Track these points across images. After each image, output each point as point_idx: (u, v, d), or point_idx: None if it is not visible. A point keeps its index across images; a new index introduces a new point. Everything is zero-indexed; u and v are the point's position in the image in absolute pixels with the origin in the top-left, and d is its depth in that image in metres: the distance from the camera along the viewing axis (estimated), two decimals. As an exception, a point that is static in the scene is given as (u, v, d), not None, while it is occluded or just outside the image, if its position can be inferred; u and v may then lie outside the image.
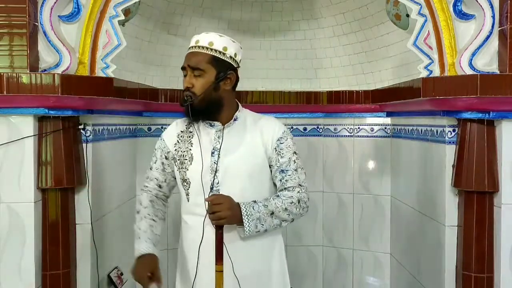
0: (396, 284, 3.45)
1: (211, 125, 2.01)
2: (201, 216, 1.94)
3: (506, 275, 2.34)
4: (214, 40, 1.98)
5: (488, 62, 2.34)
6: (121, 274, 3.00)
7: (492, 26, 2.31)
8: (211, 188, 1.95)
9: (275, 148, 2.01)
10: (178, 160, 2.03)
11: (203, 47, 1.98)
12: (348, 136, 3.66)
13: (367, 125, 3.59)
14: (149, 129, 3.52)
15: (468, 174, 2.38)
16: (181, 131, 2.06)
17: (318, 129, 3.74)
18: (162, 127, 3.54)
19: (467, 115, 2.37)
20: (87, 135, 2.57)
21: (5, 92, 2.22)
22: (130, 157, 3.36)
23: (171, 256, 3.61)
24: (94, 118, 2.61)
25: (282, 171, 2.00)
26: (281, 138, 2.02)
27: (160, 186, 2.13)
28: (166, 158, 2.08)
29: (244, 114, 2.07)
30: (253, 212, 1.88)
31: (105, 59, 2.52)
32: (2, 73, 2.23)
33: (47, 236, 2.43)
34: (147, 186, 2.15)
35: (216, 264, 1.87)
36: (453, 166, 2.48)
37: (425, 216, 2.83)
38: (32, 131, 2.34)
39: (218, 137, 1.99)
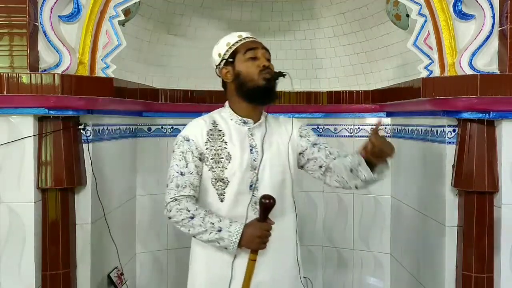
0: (396, 284, 3.45)
1: (244, 123, 2.00)
2: (242, 215, 1.89)
3: (506, 275, 2.34)
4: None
5: (488, 62, 2.34)
6: (121, 274, 3.00)
7: (492, 26, 2.31)
8: (251, 186, 1.93)
9: (300, 134, 2.07)
10: (212, 159, 1.94)
11: (256, 38, 2.05)
12: (348, 136, 3.66)
13: (367, 125, 3.59)
14: (149, 129, 3.52)
15: (468, 174, 2.38)
16: (210, 129, 1.98)
17: (318, 129, 3.74)
18: (162, 127, 3.54)
19: (467, 115, 2.37)
20: (87, 135, 2.57)
21: (5, 92, 2.23)
22: (130, 157, 3.36)
23: (171, 256, 3.61)
24: (94, 118, 2.61)
25: (315, 144, 2.05)
26: (301, 126, 2.12)
27: (194, 191, 1.94)
28: (200, 159, 1.95)
29: (264, 113, 2.08)
30: None
31: (105, 59, 2.52)
32: (2, 73, 2.23)
33: (47, 236, 2.44)
34: (182, 195, 1.90)
35: (251, 253, 1.85)
36: (453, 166, 2.48)
37: (425, 216, 2.82)
38: (32, 131, 2.34)
39: (251, 135, 1.99)
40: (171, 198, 1.90)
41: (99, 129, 2.71)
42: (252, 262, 1.85)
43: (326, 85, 3.76)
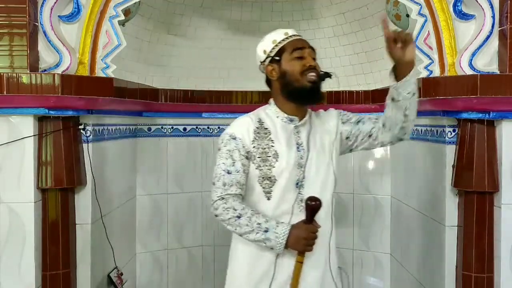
0: (396, 284, 3.45)
1: (290, 121, 1.99)
2: (287, 213, 1.90)
3: (506, 275, 2.34)
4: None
5: (488, 62, 2.34)
6: (121, 274, 3.00)
7: (492, 26, 2.31)
8: (297, 184, 1.93)
9: (341, 121, 2.06)
10: (259, 157, 1.92)
11: (302, 36, 2.02)
12: (348, 136, 3.66)
13: (367, 125, 3.59)
14: (149, 129, 3.52)
15: (468, 174, 2.38)
16: (256, 127, 1.96)
17: (318, 129, 3.73)
18: (162, 127, 3.54)
19: (467, 115, 2.37)
20: (87, 135, 2.57)
21: (5, 92, 2.23)
22: (130, 157, 3.36)
23: (171, 256, 3.61)
24: (94, 118, 2.61)
25: (358, 121, 2.05)
26: (339, 113, 2.10)
27: (241, 189, 1.93)
28: (247, 158, 1.93)
29: (309, 110, 2.08)
30: None
31: (105, 59, 2.52)
32: (2, 73, 2.23)
33: (47, 236, 2.44)
34: (229, 194, 1.89)
35: (298, 255, 1.85)
36: (453, 166, 2.48)
37: (425, 216, 2.82)
38: (32, 131, 2.34)
39: (297, 132, 1.98)
40: (218, 197, 1.90)
41: (99, 129, 2.71)
42: (299, 264, 1.85)
43: (326, 85, 3.74)
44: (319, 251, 1.93)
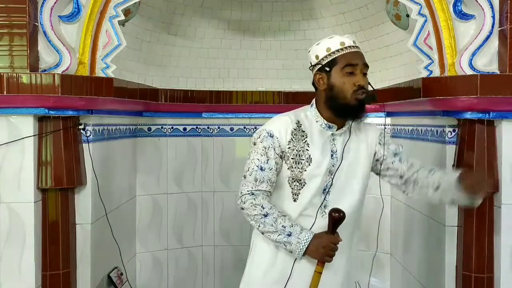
0: (396, 284, 3.45)
1: (329, 127, 1.98)
2: (311, 217, 1.92)
3: (506, 275, 2.34)
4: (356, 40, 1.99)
5: (488, 62, 2.34)
6: (121, 274, 3.00)
7: (492, 26, 2.31)
8: (324, 190, 1.94)
9: (379, 142, 2.05)
10: (293, 159, 1.94)
11: (358, 47, 1.97)
12: (348, 136, 3.65)
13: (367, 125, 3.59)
14: (149, 129, 3.52)
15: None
16: (294, 129, 1.96)
17: (318, 129, 3.73)
18: (162, 127, 3.54)
19: (467, 115, 2.36)
20: (87, 135, 2.57)
21: (5, 92, 2.23)
22: (130, 157, 3.36)
23: (171, 256, 3.61)
24: (94, 118, 2.61)
25: (396, 154, 2.04)
26: (381, 133, 2.08)
27: (271, 187, 1.95)
28: (281, 157, 1.94)
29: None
30: None
31: (105, 59, 2.52)
32: (2, 73, 2.23)
33: (47, 236, 2.43)
34: (260, 189, 1.92)
35: (317, 265, 1.87)
36: (453, 166, 2.47)
37: (425, 216, 2.82)
38: (32, 131, 2.34)
39: (333, 140, 1.98)
40: (248, 191, 1.92)
41: (99, 129, 2.70)
42: (317, 274, 1.87)
43: (326, 85, 3.75)
44: (339, 262, 1.94)
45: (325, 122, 1.98)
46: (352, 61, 1.91)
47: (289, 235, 1.86)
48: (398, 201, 3.37)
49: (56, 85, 2.26)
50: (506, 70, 2.26)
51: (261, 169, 1.92)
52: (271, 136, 1.94)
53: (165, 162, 3.58)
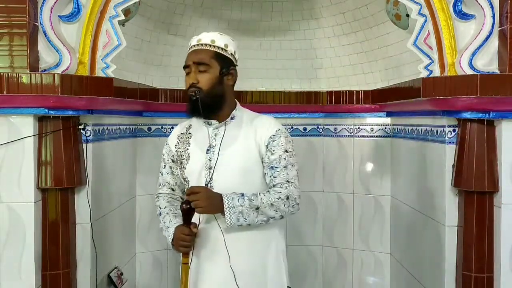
0: (396, 284, 3.45)
1: (208, 124, 2.04)
2: (197, 215, 1.96)
3: (506, 275, 2.34)
4: (215, 38, 2.03)
5: (488, 62, 2.34)
6: (121, 274, 3.00)
7: (492, 26, 2.31)
8: (206, 185, 1.97)
9: (267, 145, 2.00)
10: (178, 160, 2.07)
11: (206, 44, 2.02)
12: (348, 136, 3.66)
13: (367, 125, 3.59)
14: (149, 129, 3.52)
15: (468, 174, 2.38)
16: (181, 133, 2.10)
17: (318, 129, 3.74)
18: (162, 127, 3.54)
19: (467, 115, 2.37)
20: (87, 135, 2.57)
21: (5, 92, 2.23)
22: (130, 157, 3.36)
23: (171, 256, 3.61)
24: (94, 118, 2.61)
25: (272, 167, 1.98)
26: (273, 136, 2.00)
27: (173, 189, 2.16)
28: (173, 161, 2.11)
29: (241, 112, 2.08)
30: (236, 204, 1.88)
31: (105, 59, 2.52)
32: (2, 73, 2.23)
33: (47, 236, 2.44)
34: (161, 193, 2.16)
35: (182, 257, 1.94)
36: (453, 166, 2.48)
37: (425, 216, 2.82)
38: (32, 131, 2.34)
39: (215, 135, 2.02)
40: (156, 194, 2.18)
41: (99, 129, 2.71)
42: (183, 266, 1.95)
43: (326, 85, 3.76)
44: (218, 254, 1.97)
45: (204, 119, 2.04)
46: (186, 62, 2.03)
47: (166, 230, 2.04)
48: (398, 201, 3.37)
49: (56, 85, 2.26)
50: (506, 70, 2.26)
51: (161, 174, 2.16)
52: (166, 144, 2.15)
53: (165, 162, 3.57)
